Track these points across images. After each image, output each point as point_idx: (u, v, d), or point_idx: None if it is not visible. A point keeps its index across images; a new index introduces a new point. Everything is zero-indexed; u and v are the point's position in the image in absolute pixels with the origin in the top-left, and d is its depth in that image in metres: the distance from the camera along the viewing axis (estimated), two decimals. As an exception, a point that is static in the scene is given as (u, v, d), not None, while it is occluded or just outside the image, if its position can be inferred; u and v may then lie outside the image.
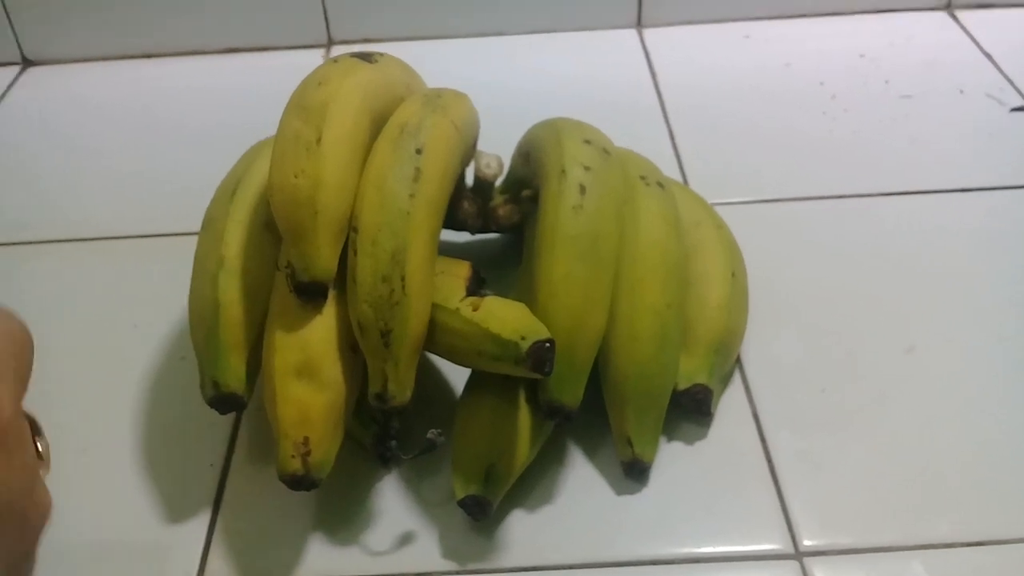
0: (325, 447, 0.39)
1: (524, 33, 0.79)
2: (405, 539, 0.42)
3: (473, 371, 0.44)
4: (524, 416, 0.42)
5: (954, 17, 0.78)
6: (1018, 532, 0.41)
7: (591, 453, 0.45)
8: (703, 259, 0.48)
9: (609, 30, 0.79)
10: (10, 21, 0.77)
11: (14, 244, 0.60)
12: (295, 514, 0.43)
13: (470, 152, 0.49)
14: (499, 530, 0.42)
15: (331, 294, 0.41)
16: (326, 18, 0.77)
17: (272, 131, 0.44)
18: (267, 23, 0.77)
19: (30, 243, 0.60)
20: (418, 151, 0.42)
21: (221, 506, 0.44)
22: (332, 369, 0.40)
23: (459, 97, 0.48)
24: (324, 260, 0.40)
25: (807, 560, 0.41)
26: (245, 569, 0.41)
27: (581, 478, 0.44)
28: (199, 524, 0.43)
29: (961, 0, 0.79)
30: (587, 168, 0.44)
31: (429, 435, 0.39)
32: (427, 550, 0.42)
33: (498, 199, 0.52)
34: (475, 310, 0.40)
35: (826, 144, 0.65)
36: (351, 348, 0.41)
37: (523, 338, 0.39)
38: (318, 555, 0.42)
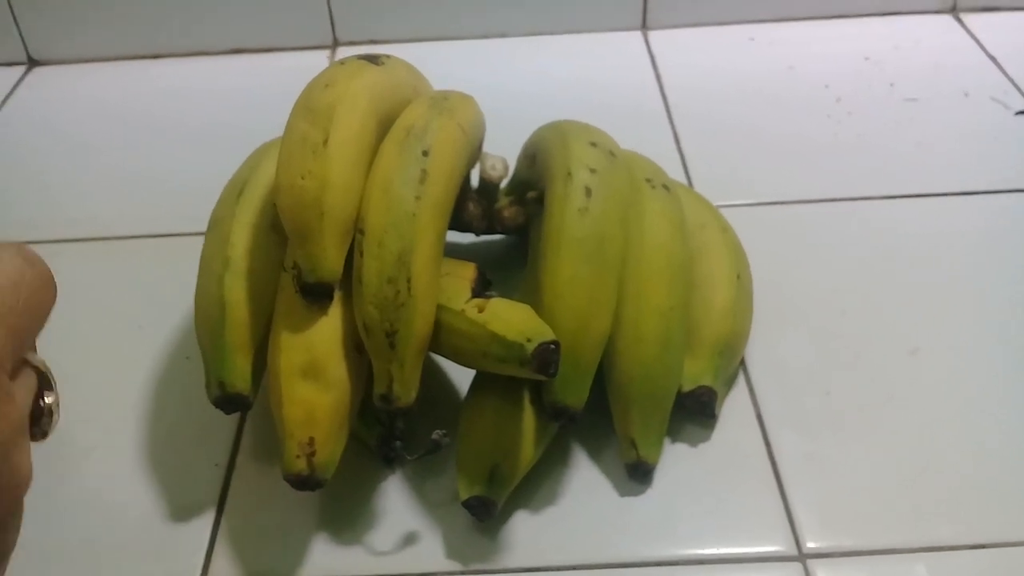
0: (330, 447, 0.39)
1: (529, 35, 0.79)
2: (409, 539, 0.42)
3: (478, 372, 0.44)
4: (528, 417, 0.42)
5: (959, 20, 0.78)
6: (1022, 535, 0.41)
7: (595, 454, 0.45)
8: (708, 261, 0.49)
9: (614, 32, 0.79)
10: (16, 21, 0.77)
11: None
12: (299, 514, 0.43)
13: (476, 154, 0.49)
14: (503, 531, 0.42)
15: (337, 295, 0.41)
16: (331, 19, 0.78)
17: (277, 132, 0.44)
18: (272, 24, 0.78)
19: (35, 242, 0.59)
20: (424, 153, 0.42)
21: (226, 506, 0.44)
22: (337, 370, 0.40)
23: (465, 99, 0.48)
24: (330, 261, 0.40)
25: (810, 562, 0.41)
26: (249, 568, 0.41)
27: (585, 479, 0.44)
28: (203, 523, 0.43)
29: (966, 3, 0.79)
30: (593, 171, 0.44)
31: (434, 436, 0.39)
32: (431, 550, 0.42)
33: (503, 201, 0.52)
34: (480, 312, 0.41)
35: (831, 147, 0.65)
36: (357, 349, 0.41)
37: (528, 340, 0.39)
38: (322, 555, 0.42)
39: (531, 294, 0.43)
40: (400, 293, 0.39)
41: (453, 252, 0.44)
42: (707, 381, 0.45)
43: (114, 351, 0.52)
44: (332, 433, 0.39)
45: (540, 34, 0.79)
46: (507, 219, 0.52)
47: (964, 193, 0.60)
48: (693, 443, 0.46)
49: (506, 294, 0.42)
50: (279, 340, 0.40)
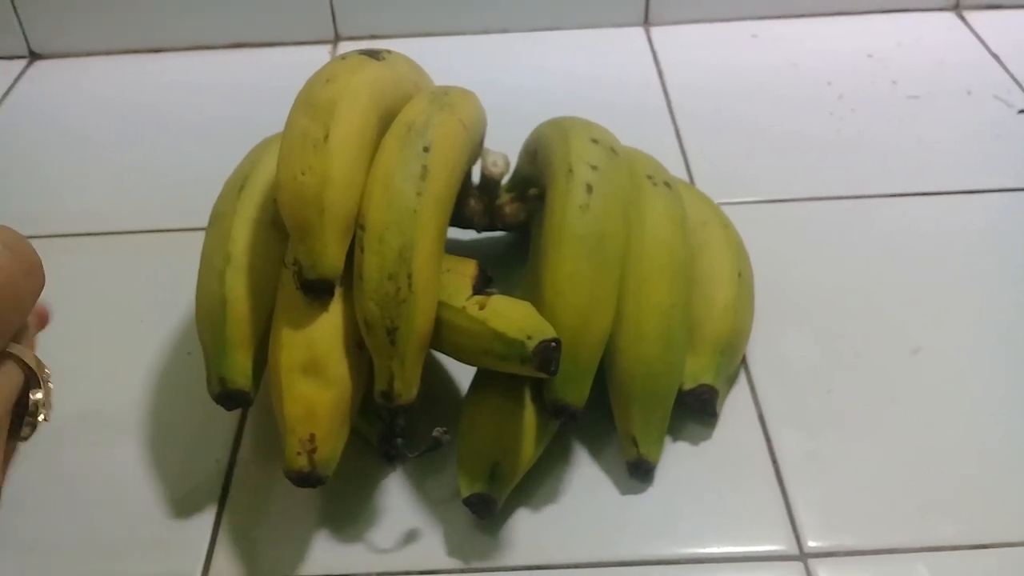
0: (331, 444, 0.39)
1: (530, 30, 0.79)
2: (410, 536, 0.42)
3: (479, 369, 0.44)
4: (529, 415, 0.42)
5: (962, 18, 0.78)
6: (1023, 535, 0.41)
7: (596, 452, 0.45)
8: (709, 259, 0.48)
9: (616, 28, 0.79)
10: (17, 15, 0.77)
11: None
12: (300, 511, 0.43)
13: (477, 150, 0.49)
14: (504, 528, 0.42)
15: (338, 291, 0.41)
16: (332, 14, 0.77)
17: (278, 127, 0.44)
18: (274, 19, 0.77)
19: (36, 237, 0.59)
20: (425, 149, 0.42)
21: (227, 502, 0.44)
22: (338, 366, 0.40)
23: (466, 95, 0.48)
24: (331, 258, 0.40)
25: (811, 561, 0.41)
26: (250, 565, 0.41)
27: (586, 477, 0.44)
28: (205, 520, 0.43)
29: (969, 1, 0.79)
30: (594, 167, 0.44)
31: (435, 433, 0.39)
32: (432, 548, 0.42)
33: (504, 197, 0.52)
34: (481, 309, 0.40)
35: (833, 144, 0.65)
36: (357, 345, 0.41)
37: (529, 337, 0.39)
38: (323, 551, 0.42)
39: (532, 291, 0.43)
40: (401, 290, 0.39)
41: (454, 248, 0.44)
42: (708, 379, 0.45)
43: (114, 346, 0.52)
44: (333, 430, 0.39)
45: (541, 30, 0.79)
46: (508, 216, 0.52)
47: (966, 191, 0.60)
48: (694, 441, 0.46)
49: (507, 291, 0.42)
50: (280, 336, 0.40)
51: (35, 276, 0.31)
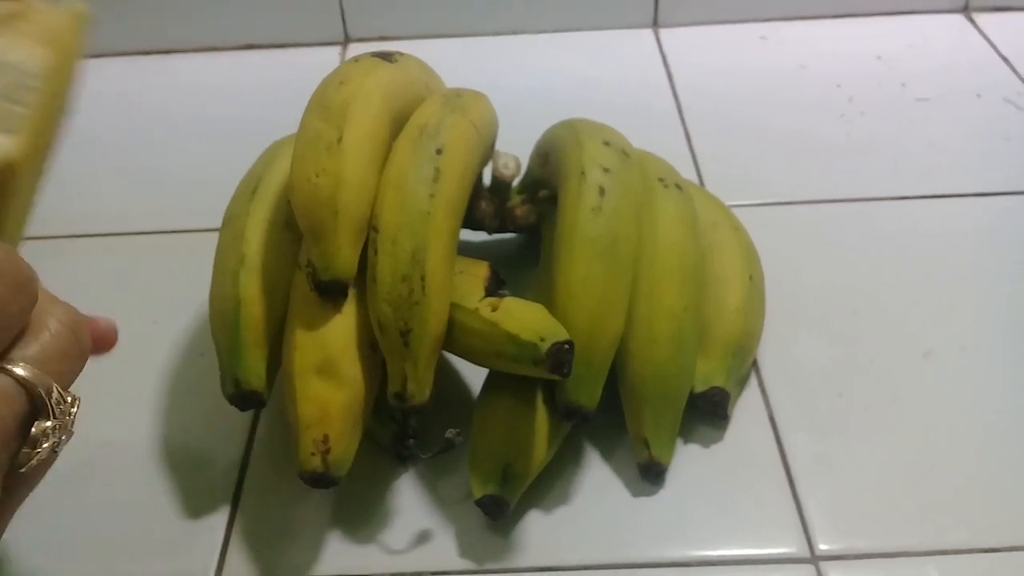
0: (344, 445, 0.39)
1: (540, 32, 0.79)
2: (422, 537, 0.42)
3: (491, 371, 0.44)
4: (541, 416, 0.42)
5: (971, 20, 0.78)
6: (1034, 539, 0.41)
7: (608, 454, 0.45)
8: (720, 261, 0.49)
9: (625, 30, 0.79)
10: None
11: (32, 239, 0.60)
12: (313, 511, 0.43)
13: (489, 152, 0.49)
14: (515, 530, 0.42)
15: (351, 293, 0.41)
16: (343, 16, 0.78)
17: (289, 128, 0.44)
18: (284, 20, 0.78)
19: (48, 238, 0.60)
20: (438, 151, 0.42)
21: (240, 503, 0.44)
22: (352, 367, 0.40)
23: (478, 97, 0.48)
24: (344, 259, 0.40)
25: (823, 564, 0.41)
26: (264, 565, 0.41)
27: (597, 479, 0.44)
28: (218, 520, 0.43)
29: (978, 3, 0.79)
30: (606, 170, 0.44)
31: (447, 434, 0.40)
32: (444, 549, 0.42)
33: (515, 199, 0.52)
34: (494, 311, 0.41)
35: (843, 147, 0.65)
36: (371, 347, 0.41)
37: (542, 339, 0.39)
38: (336, 552, 0.42)
39: (544, 293, 0.43)
40: (414, 291, 0.39)
41: (464, 250, 0.44)
42: (719, 382, 0.45)
43: (127, 347, 0.52)
44: (346, 431, 0.39)
45: (551, 31, 0.79)
46: (519, 218, 0.52)
47: (977, 194, 0.60)
48: (705, 444, 0.46)
49: (518, 293, 0.42)
50: (293, 338, 0.40)
51: (23, 292, 0.29)
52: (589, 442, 0.46)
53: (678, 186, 0.48)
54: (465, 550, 0.42)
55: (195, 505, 0.44)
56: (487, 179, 0.51)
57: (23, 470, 0.29)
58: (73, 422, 0.30)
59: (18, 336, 0.29)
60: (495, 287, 0.43)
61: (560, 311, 0.41)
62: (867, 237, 0.57)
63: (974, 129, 0.66)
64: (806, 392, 0.48)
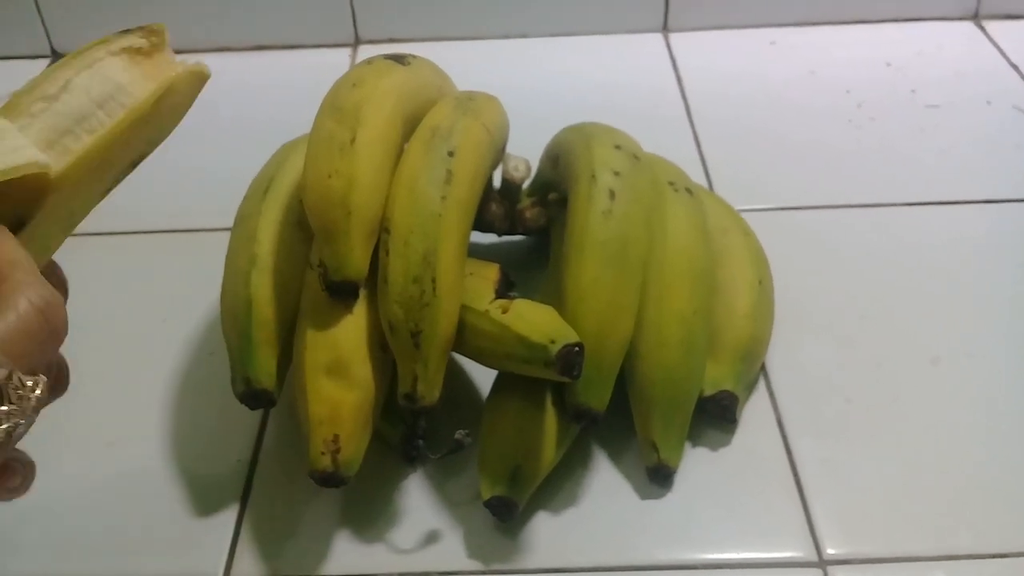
0: (354, 445, 0.40)
1: (550, 36, 0.79)
2: (431, 538, 0.42)
3: (500, 373, 0.44)
4: (550, 418, 0.42)
5: (981, 27, 0.78)
6: (1042, 545, 0.41)
7: (616, 457, 0.46)
8: (730, 266, 0.49)
9: (635, 34, 0.79)
10: (40, 14, 0.77)
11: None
12: (322, 510, 0.43)
13: (500, 155, 0.49)
14: (524, 531, 0.42)
15: (362, 294, 0.41)
16: (354, 18, 0.78)
17: (299, 129, 0.45)
18: (295, 21, 0.78)
19: (59, 236, 0.60)
20: (450, 154, 0.42)
21: (249, 501, 0.44)
22: (362, 368, 0.40)
23: (490, 100, 0.48)
24: (356, 260, 0.40)
25: (830, 568, 0.41)
26: (272, 564, 0.42)
27: (606, 482, 0.45)
28: (227, 519, 0.43)
29: (989, 10, 0.79)
30: (617, 173, 0.44)
31: (457, 436, 0.40)
32: (452, 549, 0.42)
33: (525, 202, 0.53)
34: (504, 312, 0.41)
35: (852, 153, 0.65)
36: (381, 347, 0.41)
37: (552, 341, 0.39)
38: (344, 551, 0.42)
39: (553, 296, 0.43)
40: (425, 293, 0.39)
41: (474, 252, 0.44)
42: (728, 386, 0.45)
43: (138, 345, 0.53)
44: (356, 431, 0.40)
45: (561, 35, 0.79)
46: (529, 220, 0.52)
47: (986, 201, 0.60)
48: (714, 447, 0.46)
49: (527, 295, 0.43)
50: (304, 337, 0.41)
51: (53, 342, 0.30)
52: (598, 444, 0.46)
53: (688, 190, 0.48)
54: (473, 551, 0.42)
55: (205, 503, 0.44)
56: (497, 181, 0.52)
57: None
58: (35, 407, 0.28)
59: None
60: (505, 289, 0.43)
61: (570, 314, 0.41)
62: (876, 243, 0.57)
63: (983, 136, 0.66)
64: (814, 397, 0.48)
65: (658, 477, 0.44)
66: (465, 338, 0.41)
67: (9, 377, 0.28)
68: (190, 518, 0.44)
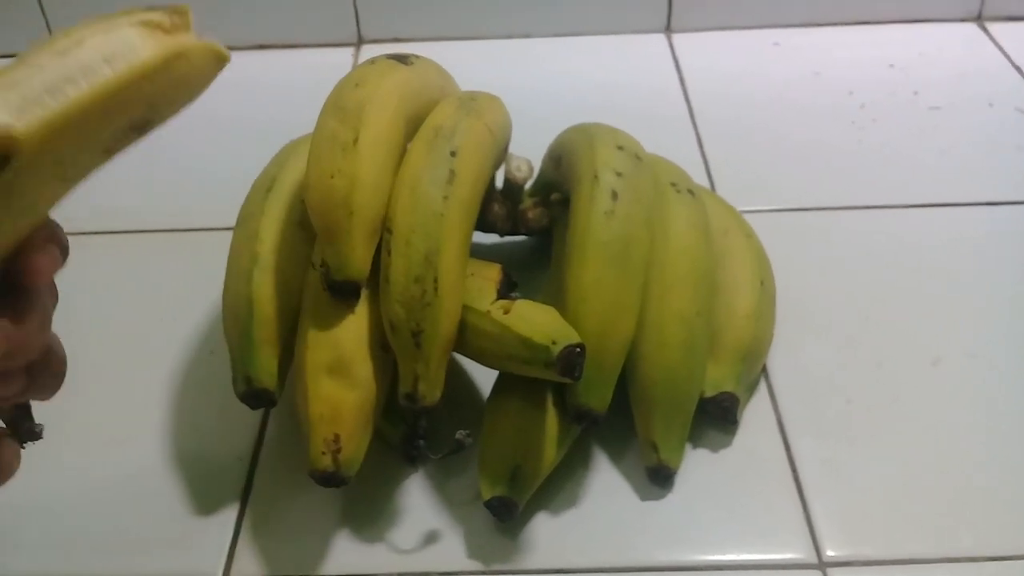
0: (355, 444, 0.40)
1: (552, 36, 0.79)
2: (431, 538, 0.42)
3: (501, 373, 0.44)
4: (551, 419, 0.42)
5: (984, 29, 0.78)
6: (1042, 548, 0.41)
7: (616, 458, 0.46)
8: (732, 267, 0.49)
9: (638, 34, 0.79)
10: (44, 14, 0.77)
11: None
12: (322, 510, 0.43)
13: (502, 155, 0.49)
14: (524, 532, 0.43)
15: (364, 293, 0.41)
16: (356, 17, 0.78)
17: (302, 128, 0.45)
18: (298, 20, 0.78)
19: (62, 234, 0.60)
20: (452, 154, 0.42)
21: (249, 500, 0.44)
22: (363, 367, 0.40)
23: (493, 101, 0.48)
24: (358, 259, 0.40)
25: (830, 570, 0.41)
26: (272, 563, 0.42)
27: (606, 482, 0.45)
28: (227, 518, 0.44)
29: (991, 12, 0.79)
30: (619, 174, 0.44)
31: (457, 436, 0.40)
32: (452, 549, 0.42)
33: (527, 202, 0.53)
34: (506, 313, 0.41)
35: (855, 154, 0.65)
36: (382, 347, 0.41)
37: (554, 342, 0.39)
38: (344, 551, 0.42)
39: (555, 296, 0.43)
40: (427, 292, 0.39)
41: (476, 252, 0.44)
42: (729, 387, 0.45)
43: (139, 344, 0.53)
44: (357, 430, 0.40)
45: (564, 35, 0.79)
46: (531, 220, 0.52)
47: (988, 203, 0.60)
48: (714, 448, 0.46)
49: (529, 296, 0.43)
50: (306, 337, 0.41)
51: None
52: (598, 445, 0.46)
53: (690, 191, 0.48)
54: (473, 551, 0.42)
55: (205, 502, 0.44)
56: (499, 182, 0.52)
57: None
58: None
59: None
60: (507, 290, 0.43)
61: (571, 314, 0.41)
62: (878, 244, 0.57)
63: (985, 138, 0.66)
64: (815, 398, 0.48)
65: (658, 478, 0.44)
66: (466, 338, 0.41)
67: None
68: (190, 517, 0.44)
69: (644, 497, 0.44)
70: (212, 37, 0.33)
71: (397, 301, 0.39)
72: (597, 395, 0.42)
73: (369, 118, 0.41)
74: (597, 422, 0.42)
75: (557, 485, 0.44)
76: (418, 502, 0.44)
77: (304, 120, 0.44)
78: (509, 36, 0.79)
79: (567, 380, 0.39)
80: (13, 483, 0.43)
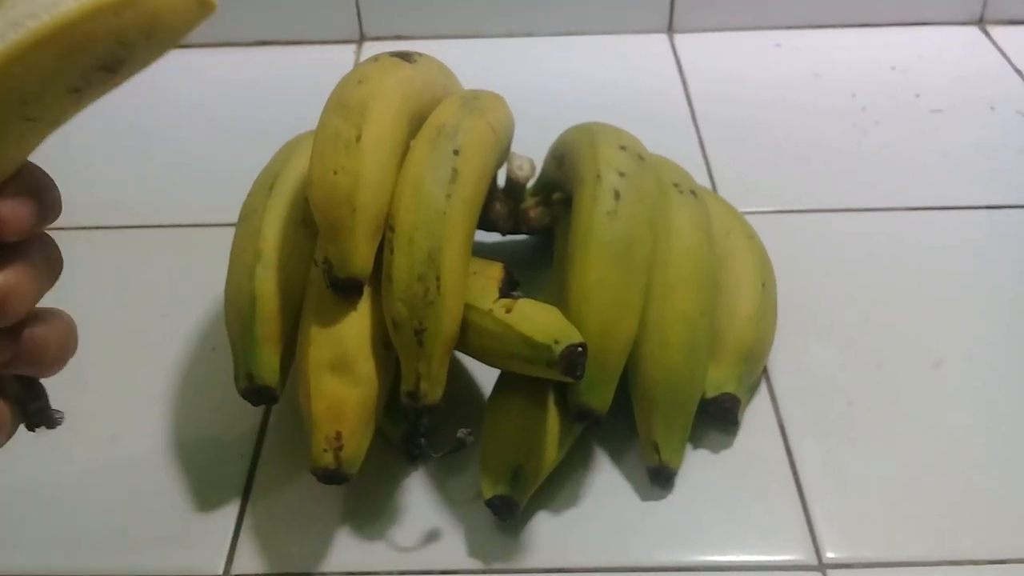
0: (357, 442, 0.40)
1: (554, 35, 0.79)
2: (431, 536, 0.42)
3: (503, 372, 0.44)
4: (553, 418, 0.42)
5: (986, 32, 0.78)
6: (1042, 551, 0.41)
7: (617, 458, 0.46)
8: (734, 268, 0.49)
9: (640, 34, 0.79)
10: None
11: (47, 231, 0.60)
12: (323, 507, 0.43)
13: (505, 154, 0.49)
14: (524, 531, 0.42)
15: (366, 291, 0.41)
16: (358, 14, 0.78)
17: (304, 125, 0.44)
18: (299, 17, 0.78)
19: (62, 229, 0.60)
20: (455, 152, 0.42)
21: (250, 497, 0.44)
22: (365, 365, 0.40)
23: (496, 99, 0.48)
24: (361, 257, 0.40)
25: (830, 572, 0.41)
26: (273, 560, 0.42)
27: (607, 482, 0.45)
28: (228, 515, 0.43)
29: (993, 15, 0.79)
30: (622, 174, 0.44)
31: (459, 434, 0.40)
32: (452, 548, 0.42)
33: (529, 201, 0.53)
34: (508, 312, 0.41)
35: (856, 156, 0.65)
36: (384, 345, 0.41)
37: (556, 341, 0.39)
38: (345, 548, 0.42)
39: (557, 296, 0.43)
40: (429, 291, 0.39)
41: (478, 251, 0.44)
42: (731, 388, 0.45)
43: (141, 340, 0.53)
44: (359, 428, 0.40)
45: (566, 34, 0.79)
46: (533, 220, 0.52)
47: (989, 206, 0.60)
48: (715, 449, 0.46)
49: (530, 295, 0.43)
50: (308, 334, 0.41)
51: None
52: (599, 445, 0.46)
53: (693, 192, 0.48)
54: (474, 550, 0.42)
55: (206, 499, 0.44)
56: (501, 180, 0.52)
57: None
58: None
59: None
60: (509, 288, 0.43)
61: (573, 314, 0.41)
62: (879, 247, 0.57)
63: (987, 141, 0.66)
64: (816, 400, 0.48)
65: (659, 478, 0.44)
66: (468, 337, 0.41)
67: None
68: (191, 513, 0.44)
69: (645, 497, 0.44)
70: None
71: (400, 299, 0.39)
72: (599, 395, 0.42)
73: (372, 115, 0.41)
74: (599, 422, 0.42)
75: (558, 485, 0.44)
76: (419, 500, 0.44)
77: (306, 117, 0.44)
78: (511, 35, 0.79)
79: (569, 379, 0.39)
80: (13, 480, 0.43)
